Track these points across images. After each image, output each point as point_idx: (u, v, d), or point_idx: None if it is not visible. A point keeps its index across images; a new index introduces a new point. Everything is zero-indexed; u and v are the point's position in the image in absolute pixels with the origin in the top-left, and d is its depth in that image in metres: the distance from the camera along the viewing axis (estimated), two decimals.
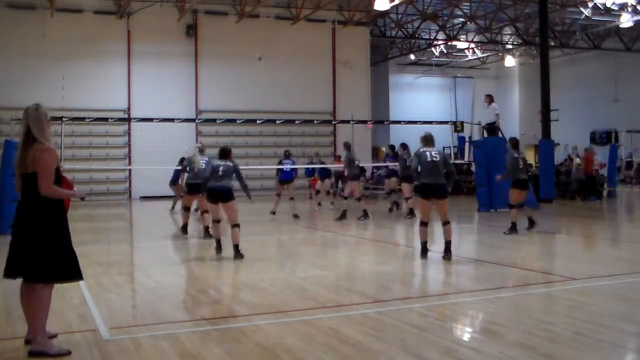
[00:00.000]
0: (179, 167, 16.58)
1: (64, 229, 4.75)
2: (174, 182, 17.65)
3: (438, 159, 8.67)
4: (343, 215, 14.64)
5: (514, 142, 12.20)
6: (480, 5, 27.60)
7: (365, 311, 5.83)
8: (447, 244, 8.71)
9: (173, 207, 17.98)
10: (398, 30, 30.63)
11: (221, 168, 9.38)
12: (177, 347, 4.79)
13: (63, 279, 4.75)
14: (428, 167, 8.63)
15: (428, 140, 8.94)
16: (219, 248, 9.54)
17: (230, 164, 9.50)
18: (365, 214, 14.74)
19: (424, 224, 8.90)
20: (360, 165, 16.70)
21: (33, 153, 4.60)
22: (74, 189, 5.03)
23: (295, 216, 15.46)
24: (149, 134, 21.85)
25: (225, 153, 9.69)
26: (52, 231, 4.64)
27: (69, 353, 4.60)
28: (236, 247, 9.06)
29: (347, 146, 15.15)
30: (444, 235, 8.80)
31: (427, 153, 8.70)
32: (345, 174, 15.24)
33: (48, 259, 4.59)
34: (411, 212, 15.06)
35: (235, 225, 9.14)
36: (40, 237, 4.59)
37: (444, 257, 8.65)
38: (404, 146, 15.89)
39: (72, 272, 4.76)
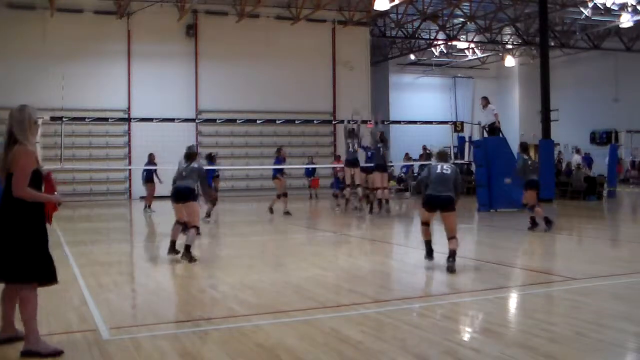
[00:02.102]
0: (150, 167, 16.61)
1: (40, 231, 4.70)
2: (147, 180, 17.63)
3: (449, 172, 8.21)
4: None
5: (524, 146, 12.75)
6: (480, 5, 27.59)
7: (365, 311, 5.83)
8: (452, 252, 8.09)
9: (147, 206, 17.82)
10: (398, 30, 30.62)
11: (184, 171, 9.31)
12: (177, 347, 4.79)
13: (41, 280, 4.69)
14: (436, 178, 8.16)
15: (442, 156, 8.61)
16: (172, 249, 9.14)
17: (195, 165, 9.36)
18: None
19: (425, 223, 8.35)
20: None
21: (12, 154, 4.57)
22: (56, 192, 4.99)
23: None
24: (149, 134, 21.85)
25: (190, 156, 9.53)
26: (28, 232, 4.60)
27: (61, 353, 4.57)
28: (187, 248, 8.79)
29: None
30: (449, 245, 8.11)
31: (439, 166, 8.31)
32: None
33: (26, 259, 4.55)
34: (379, 203, 15.04)
35: (193, 227, 8.97)
36: (18, 238, 4.55)
37: (447, 263, 8.00)
38: (382, 138, 15.76)
39: (49, 275, 4.71)
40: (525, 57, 35.77)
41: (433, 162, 8.70)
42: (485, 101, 17.60)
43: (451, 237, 8.13)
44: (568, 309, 5.95)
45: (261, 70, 26.22)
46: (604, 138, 30.98)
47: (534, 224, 11.97)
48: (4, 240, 4.55)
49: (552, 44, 29.11)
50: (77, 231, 13.42)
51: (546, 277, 7.68)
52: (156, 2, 23.95)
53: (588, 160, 26.03)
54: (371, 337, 4.97)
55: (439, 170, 8.23)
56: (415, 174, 24.39)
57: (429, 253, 8.33)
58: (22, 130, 4.64)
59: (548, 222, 11.69)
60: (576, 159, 23.87)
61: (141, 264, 9.81)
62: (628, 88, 31.50)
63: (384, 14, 28.08)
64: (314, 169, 23.39)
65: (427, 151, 23.84)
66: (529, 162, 12.20)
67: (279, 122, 22.88)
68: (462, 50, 34.68)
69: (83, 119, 19.91)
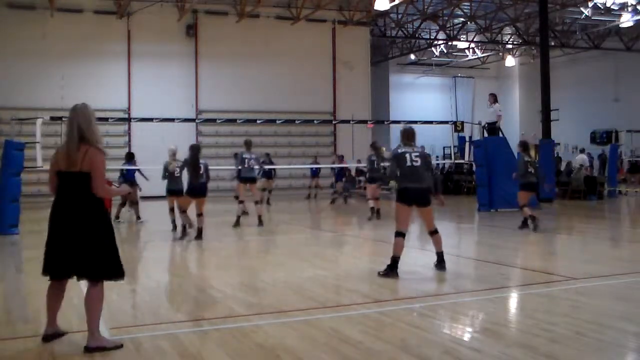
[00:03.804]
0: (132, 167, 15.83)
1: (111, 226, 4.85)
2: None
3: (419, 162, 7.51)
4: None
5: (525, 145, 12.46)
6: (481, 5, 27.61)
7: (365, 311, 5.82)
8: (440, 255, 7.77)
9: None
10: (398, 30, 30.64)
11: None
12: (177, 347, 4.79)
13: (120, 276, 4.82)
14: (408, 172, 7.50)
15: (409, 136, 7.73)
16: (184, 231, 11.57)
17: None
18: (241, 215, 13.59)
19: (400, 234, 7.47)
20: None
21: (85, 153, 4.62)
22: (114, 185, 5.14)
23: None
24: (149, 134, 21.85)
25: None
26: (108, 229, 4.74)
27: (122, 346, 4.70)
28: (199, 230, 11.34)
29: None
30: (434, 246, 7.82)
31: (407, 155, 7.52)
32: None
33: (110, 256, 4.70)
34: (377, 213, 14.33)
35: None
36: (101, 235, 4.66)
37: (436, 267, 7.79)
38: (375, 147, 15.27)
39: (122, 270, 4.85)
40: (525, 56, 35.79)
41: (399, 148, 7.66)
42: (494, 98, 17.56)
43: (434, 232, 7.74)
44: (568, 309, 5.94)
45: (261, 70, 26.22)
46: (604, 138, 30.97)
47: (524, 224, 12.01)
48: (86, 239, 4.60)
49: (552, 43, 29.12)
50: None
51: (546, 277, 7.67)
52: (156, 2, 23.97)
53: (591, 160, 26.01)
54: (371, 337, 4.97)
55: (408, 163, 7.50)
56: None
57: (394, 269, 7.46)
58: (92, 128, 4.70)
59: (529, 220, 11.78)
60: (581, 158, 23.75)
61: (141, 264, 9.81)
62: (628, 88, 31.50)
63: (384, 13, 28.10)
64: (319, 169, 23.36)
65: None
66: (529, 162, 12.02)
67: (279, 122, 22.89)
68: (462, 50, 34.71)
69: None
